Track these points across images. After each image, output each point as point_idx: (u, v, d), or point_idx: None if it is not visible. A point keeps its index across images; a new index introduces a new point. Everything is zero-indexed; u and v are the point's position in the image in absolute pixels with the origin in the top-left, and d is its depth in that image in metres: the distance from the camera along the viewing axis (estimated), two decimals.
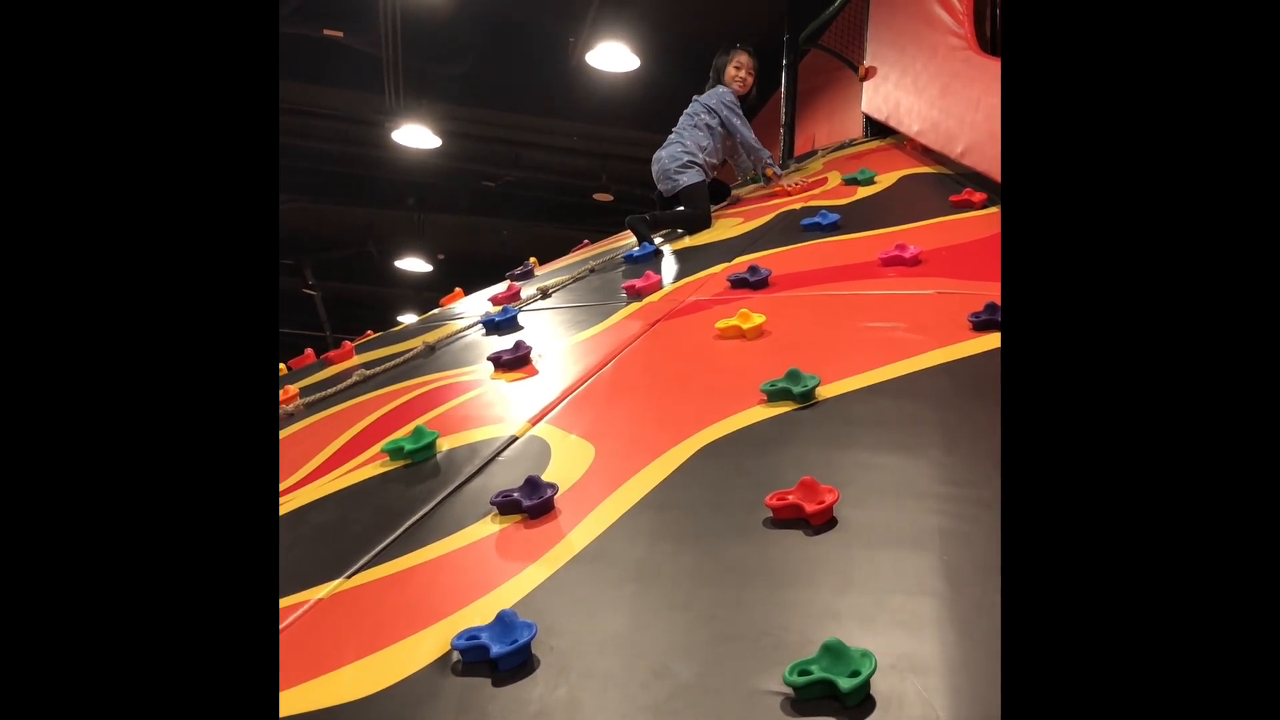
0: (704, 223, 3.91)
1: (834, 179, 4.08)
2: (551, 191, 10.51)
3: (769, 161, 4.31)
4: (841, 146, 4.97)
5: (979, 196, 3.35)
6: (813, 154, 5.13)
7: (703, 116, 4.22)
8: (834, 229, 3.33)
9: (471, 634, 1.44)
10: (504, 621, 1.44)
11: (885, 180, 3.90)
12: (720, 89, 4.29)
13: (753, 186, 4.50)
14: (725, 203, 4.28)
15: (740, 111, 4.25)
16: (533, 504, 1.81)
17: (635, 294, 3.03)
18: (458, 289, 4.32)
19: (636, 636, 1.44)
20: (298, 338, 10.57)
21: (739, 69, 4.32)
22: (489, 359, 2.71)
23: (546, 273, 4.13)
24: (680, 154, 4.11)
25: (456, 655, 1.44)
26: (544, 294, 3.44)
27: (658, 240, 3.82)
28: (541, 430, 2.20)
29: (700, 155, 4.12)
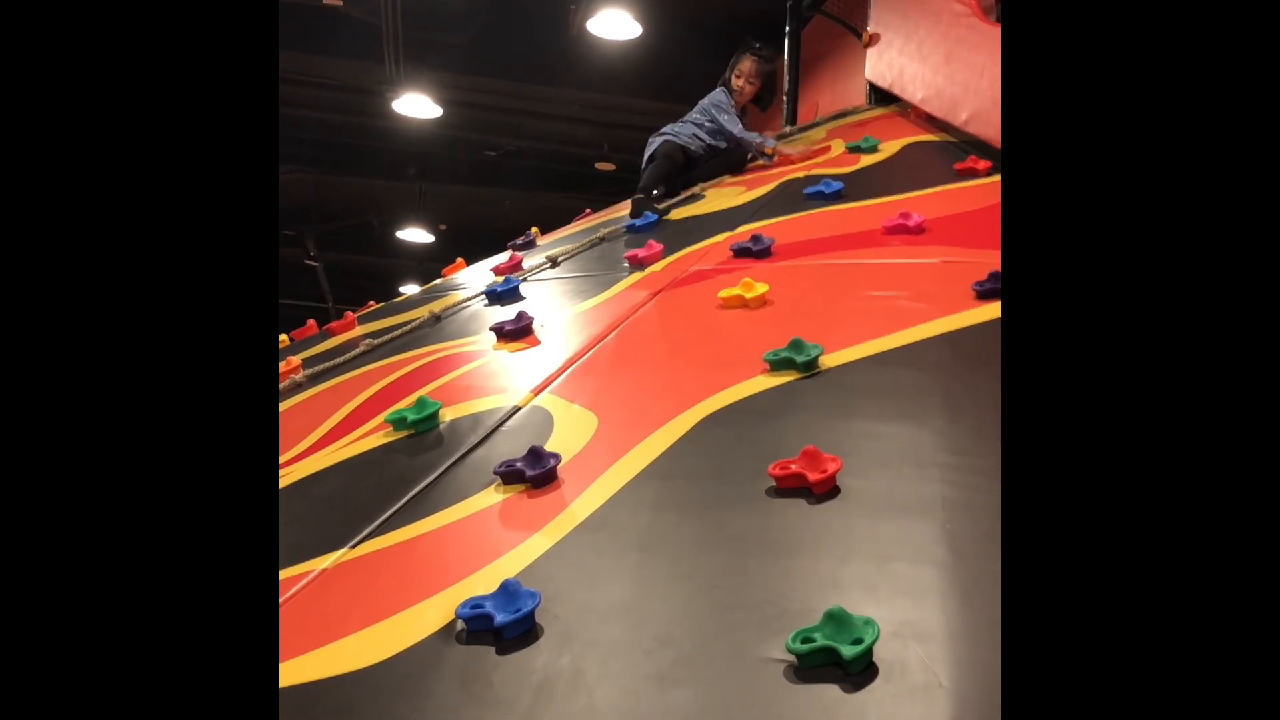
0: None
1: (837, 147, 4.05)
2: (553, 161, 10.45)
3: (761, 141, 4.29)
4: (845, 114, 4.93)
5: (983, 164, 3.33)
6: (816, 122, 5.09)
7: (698, 117, 4.36)
8: (837, 197, 3.31)
9: (475, 603, 1.45)
10: (508, 590, 1.45)
11: (889, 148, 3.87)
12: (717, 92, 4.38)
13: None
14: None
15: (729, 109, 4.30)
16: (536, 474, 1.81)
17: (638, 264, 3.02)
18: (460, 259, 4.31)
19: (640, 605, 1.45)
20: (300, 309, 10.54)
21: (739, 77, 4.38)
22: (491, 329, 2.71)
23: (549, 242, 4.12)
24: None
25: (460, 624, 1.45)
26: (553, 263, 3.42)
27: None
28: (544, 400, 2.20)
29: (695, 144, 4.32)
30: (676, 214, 3.73)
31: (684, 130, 4.31)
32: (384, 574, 1.67)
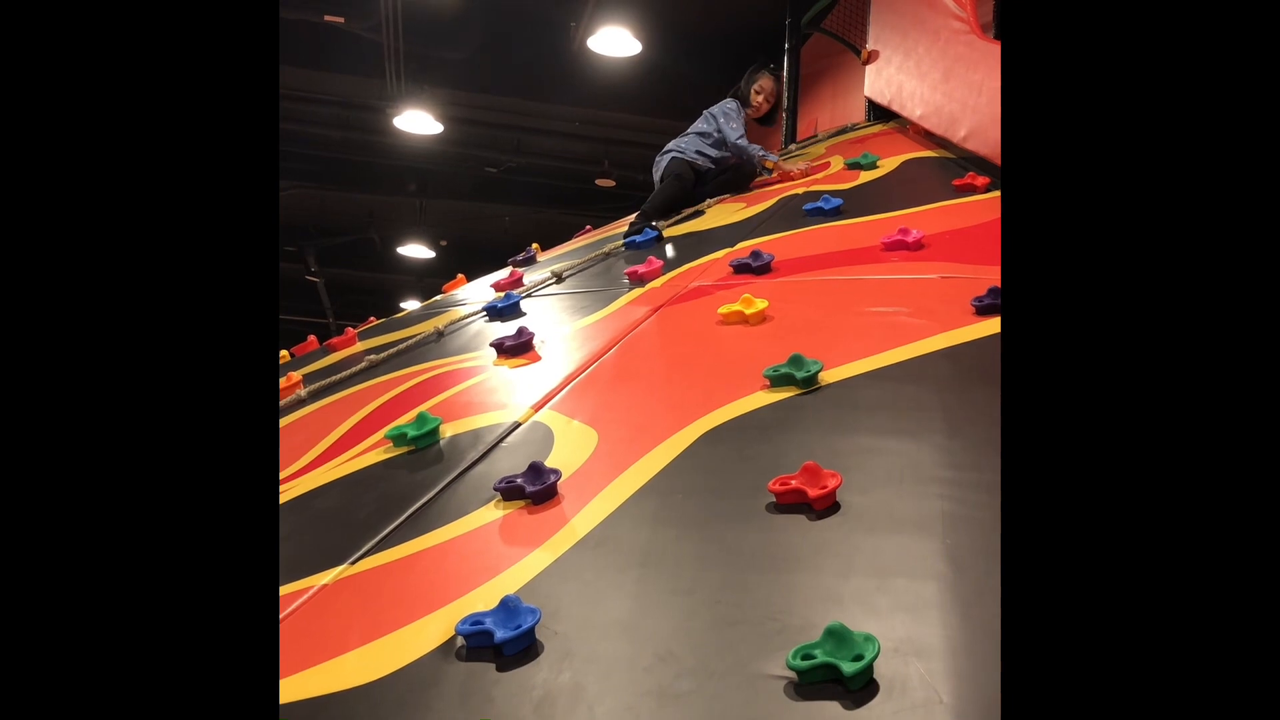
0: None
1: (836, 163, 4.07)
2: (553, 177, 10.48)
3: (762, 154, 4.30)
4: (844, 131, 4.95)
5: (982, 180, 3.34)
6: (815, 138, 5.11)
7: (703, 126, 4.39)
8: (837, 214, 3.32)
9: (475, 619, 1.45)
10: (508, 607, 1.44)
11: (888, 164, 3.89)
12: (728, 101, 4.40)
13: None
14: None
15: (737, 117, 4.33)
16: (536, 490, 1.81)
17: (638, 279, 3.03)
18: (460, 275, 4.32)
19: (640, 621, 1.45)
20: (301, 324, 10.57)
21: (759, 94, 4.43)
22: (492, 345, 2.71)
23: (549, 258, 4.13)
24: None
25: (460, 640, 1.45)
26: (557, 278, 3.42)
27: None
28: (544, 416, 2.20)
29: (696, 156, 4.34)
30: (677, 230, 3.75)
31: (689, 146, 4.32)
32: (384, 590, 1.67)
